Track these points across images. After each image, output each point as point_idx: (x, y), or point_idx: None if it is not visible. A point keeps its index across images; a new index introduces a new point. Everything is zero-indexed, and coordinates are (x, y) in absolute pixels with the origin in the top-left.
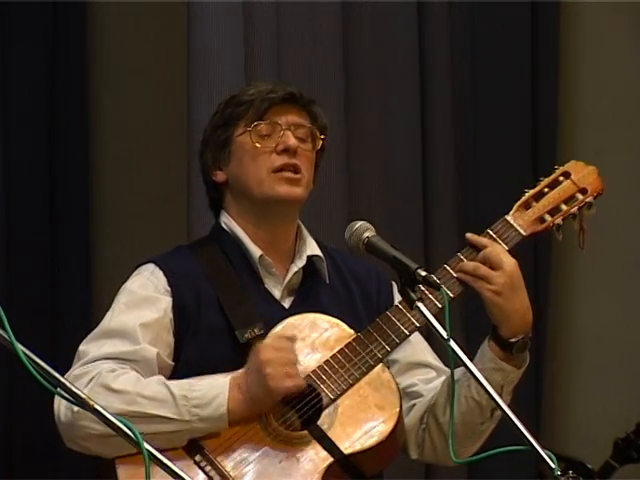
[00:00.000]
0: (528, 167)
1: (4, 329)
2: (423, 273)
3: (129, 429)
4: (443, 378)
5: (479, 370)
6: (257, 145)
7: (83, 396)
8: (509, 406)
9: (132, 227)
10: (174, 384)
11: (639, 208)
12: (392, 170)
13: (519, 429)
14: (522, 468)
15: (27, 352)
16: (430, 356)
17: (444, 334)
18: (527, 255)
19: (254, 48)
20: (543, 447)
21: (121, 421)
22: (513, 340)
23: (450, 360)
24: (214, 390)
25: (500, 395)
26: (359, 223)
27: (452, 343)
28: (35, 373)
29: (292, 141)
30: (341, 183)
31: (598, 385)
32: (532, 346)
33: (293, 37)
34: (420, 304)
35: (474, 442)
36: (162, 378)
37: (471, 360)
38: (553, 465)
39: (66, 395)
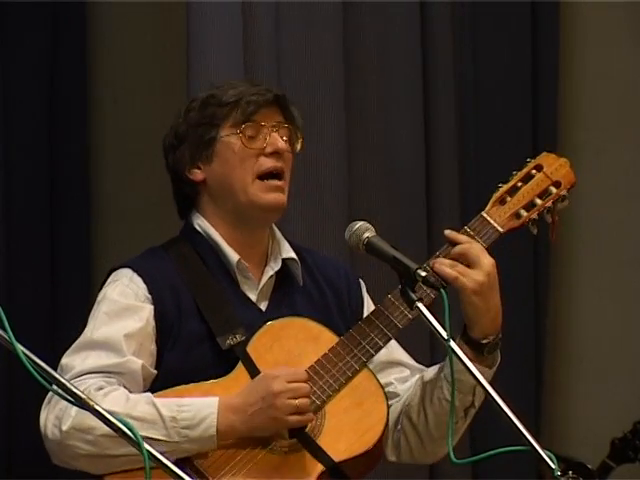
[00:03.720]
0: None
1: (4, 329)
2: (423, 273)
3: (129, 430)
4: (417, 377)
5: (450, 372)
6: (246, 147)
7: (83, 396)
8: (509, 406)
9: (132, 227)
10: (162, 404)
11: (639, 208)
12: (395, 170)
13: (519, 429)
14: (527, 468)
15: (27, 352)
16: (403, 355)
17: (444, 334)
18: (527, 255)
19: (254, 48)
20: (543, 447)
21: (121, 421)
22: (484, 342)
23: (450, 360)
24: (203, 411)
25: (473, 395)
26: (359, 223)
27: (452, 343)
28: (35, 373)
29: (281, 143)
30: (343, 184)
31: (597, 385)
32: (532, 347)
33: (293, 37)
34: (420, 304)
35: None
36: (151, 397)
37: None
38: (553, 465)
39: (66, 395)
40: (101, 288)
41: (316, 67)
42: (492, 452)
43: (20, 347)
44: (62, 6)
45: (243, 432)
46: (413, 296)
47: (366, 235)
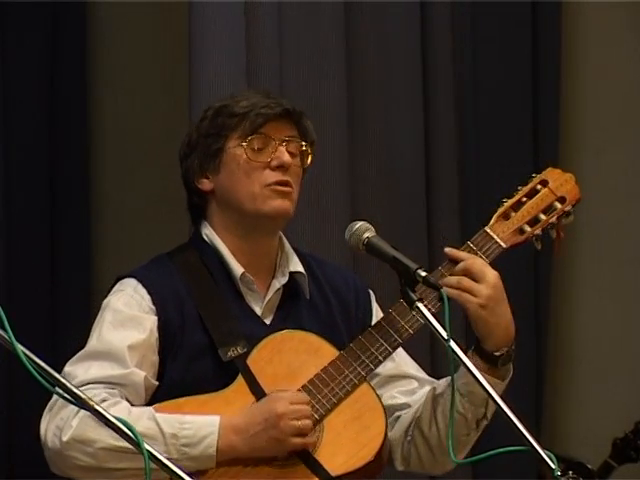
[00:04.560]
0: (529, 168)
1: (4, 329)
2: (423, 273)
3: (129, 430)
4: (427, 389)
5: (463, 384)
6: (251, 160)
7: (83, 396)
8: (509, 407)
9: (132, 227)
10: (164, 420)
11: (639, 208)
12: (395, 171)
13: (519, 429)
14: (528, 468)
15: (27, 352)
16: (411, 367)
17: (444, 335)
18: (528, 258)
19: (256, 48)
20: (543, 447)
21: (121, 421)
22: (497, 354)
23: (450, 361)
24: (204, 430)
25: (485, 408)
26: (359, 223)
27: (452, 344)
28: (35, 373)
29: (286, 157)
30: (344, 184)
31: (598, 386)
32: (533, 347)
33: (295, 37)
34: (420, 304)
35: (460, 451)
36: (152, 412)
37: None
38: (553, 465)
39: (66, 395)
40: (106, 295)
41: (317, 67)
42: (492, 452)
43: (20, 347)
44: (62, 6)
45: (244, 452)
46: (413, 296)
47: (366, 235)
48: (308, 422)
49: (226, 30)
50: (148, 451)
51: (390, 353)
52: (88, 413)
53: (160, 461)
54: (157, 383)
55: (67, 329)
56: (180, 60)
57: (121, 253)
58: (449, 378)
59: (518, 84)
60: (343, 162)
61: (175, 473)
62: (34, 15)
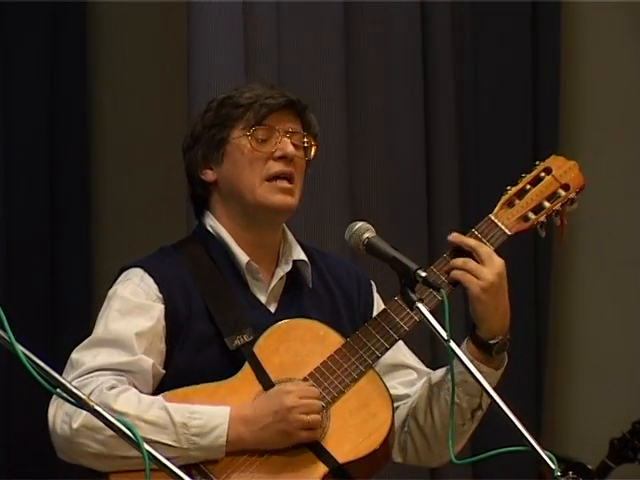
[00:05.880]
0: (530, 168)
1: (4, 329)
2: (423, 274)
3: (129, 430)
4: (424, 379)
5: (458, 373)
6: (255, 150)
7: (83, 397)
8: (509, 406)
9: (132, 227)
10: (174, 409)
11: (639, 208)
12: (395, 171)
13: (519, 429)
14: (528, 468)
15: (27, 352)
16: (411, 358)
17: (444, 334)
18: (527, 256)
19: (255, 48)
20: (543, 448)
21: (121, 422)
22: (492, 342)
23: (449, 360)
24: (214, 420)
25: (480, 398)
26: (359, 224)
27: (452, 344)
28: (35, 373)
29: (290, 148)
30: (343, 184)
31: (597, 386)
32: (533, 347)
33: (294, 37)
34: (420, 304)
35: (456, 443)
36: (162, 401)
37: (443, 360)
38: (553, 465)
39: (66, 396)
40: (111, 286)
41: (316, 67)
42: (492, 452)
43: (20, 347)
44: (62, 6)
45: (252, 444)
46: (413, 296)
47: (366, 235)
48: (317, 417)
49: (226, 30)
50: (148, 451)
51: (396, 340)
52: (100, 400)
53: (160, 462)
54: (164, 371)
55: (67, 329)
56: (180, 60)
57: (121, 253)
58: (444, 369)
59: (518, 84)
60: (343, 162)
61: (175, 474)
62: (34, 15)
